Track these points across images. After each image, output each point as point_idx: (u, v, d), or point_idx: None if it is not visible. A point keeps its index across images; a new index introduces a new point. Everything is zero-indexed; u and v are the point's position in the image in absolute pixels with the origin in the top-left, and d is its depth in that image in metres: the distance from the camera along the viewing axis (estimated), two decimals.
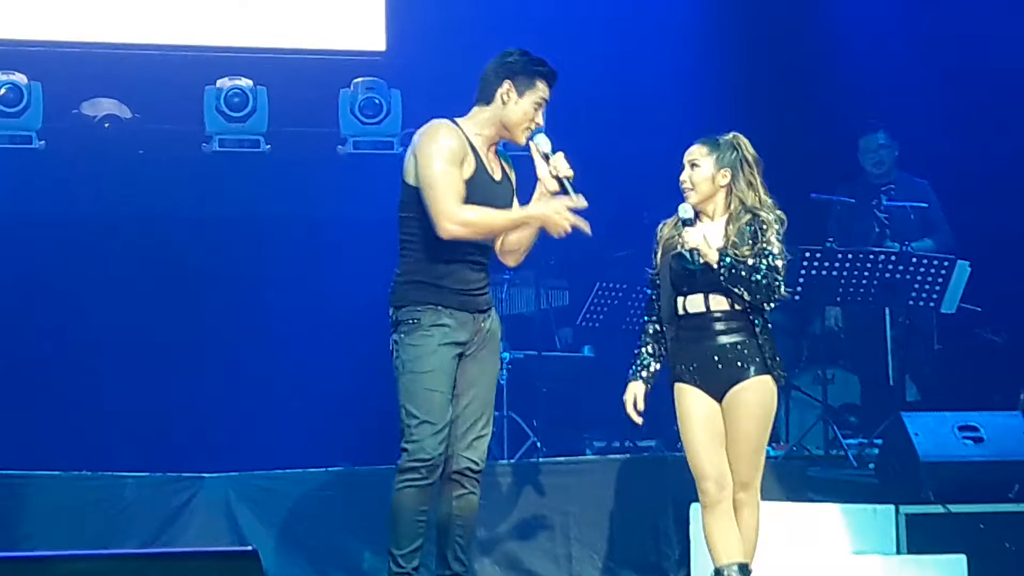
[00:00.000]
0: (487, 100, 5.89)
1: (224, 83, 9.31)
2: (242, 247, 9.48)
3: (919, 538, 7.18)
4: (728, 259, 5.82)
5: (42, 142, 9.10)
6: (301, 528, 7.50)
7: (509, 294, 9.54)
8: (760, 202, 5.93)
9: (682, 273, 5.90)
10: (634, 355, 6.06)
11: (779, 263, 5.86)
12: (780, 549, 6.93)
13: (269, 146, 9.35)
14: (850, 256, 8.36)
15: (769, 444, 6.12)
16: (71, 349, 9.22)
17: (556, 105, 5.98)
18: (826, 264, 8.31)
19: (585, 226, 5.70)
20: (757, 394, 5.85)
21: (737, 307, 5.87)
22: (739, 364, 5.84)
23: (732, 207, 5.95)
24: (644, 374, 6.01)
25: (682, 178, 5.99)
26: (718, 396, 5.88)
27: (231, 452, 8.24)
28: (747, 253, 5.83)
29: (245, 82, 9.30)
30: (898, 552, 7.20)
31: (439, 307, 5.78)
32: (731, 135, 6.02)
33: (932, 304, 8.45)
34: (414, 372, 5.76)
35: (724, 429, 5.88)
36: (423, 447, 5.72)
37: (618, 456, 8.27)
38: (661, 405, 6.28)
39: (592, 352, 9.72)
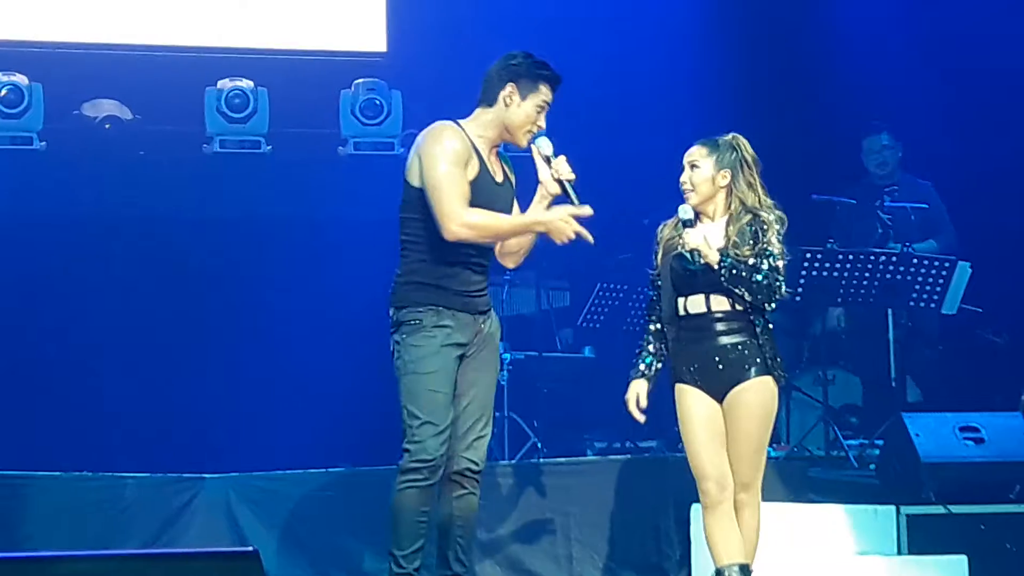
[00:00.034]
0: (490, 102, 5.88)
1: (225, 84, 9.30)
2: (243, 248, 9.48)
3: (920, 539, 7.19)
4: (729, 260, 5.82)
5: (43, 143, 9.09)
6: (302, 529, 7.50)
7: (510, 295, 9.52)
8: (760, 202, 5.93)
9: (683, 274, 5.90)
10: (636, 354, 6.07)
11: (780, 263, 5.87)
12: (781, 550, 6.94)
13: (270, 147, 9.35)
14: (851, 257, 8.37)
15: (770, 445, 6.12)
16: (72, 350, 9.22)
17: (556, 106, 5.97)
18: (827, 265, 8.31)
19: (589, 236, 5.70)
20: (758, 395, 5.86)
21: (738, 308, 5.87)
22: (740, 365, 5.84)
23: (732, 208, 5.95)
24: (647, 372, 6.01)
25: (682, 179, 5.99)
26: (719, 397, 5.89)
27: (232, 453, 8.25)
28: (748, 253, 5.84)
29: (246, 83, 9.30)
30: (899, 553, 7.20)
31: (441, 308, 5.77)
32: (730, 136, 6.02)
33: (933, 305, 8.45)
34: (416, 373, 5.75)
35: (725, 429, 5.88)
36: (425, 448, 5.72)
37: (619, 457, 8.26)
38: (662, 406, 6.27)
39: (593, 353, 9.70)
